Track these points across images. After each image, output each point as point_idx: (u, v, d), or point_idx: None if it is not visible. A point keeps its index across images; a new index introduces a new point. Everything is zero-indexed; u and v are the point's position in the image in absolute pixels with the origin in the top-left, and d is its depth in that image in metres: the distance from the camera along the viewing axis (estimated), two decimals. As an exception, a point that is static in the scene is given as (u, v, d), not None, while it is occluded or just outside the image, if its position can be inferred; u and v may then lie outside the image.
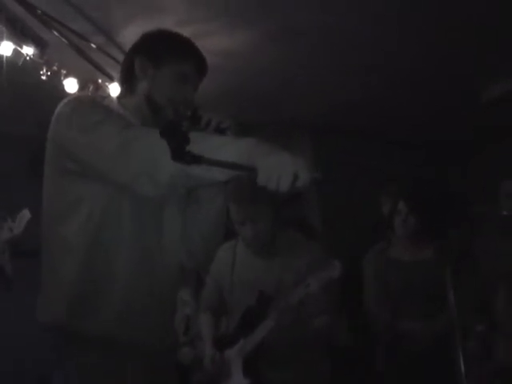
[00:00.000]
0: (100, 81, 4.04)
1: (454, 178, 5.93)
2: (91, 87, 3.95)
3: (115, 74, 4.00)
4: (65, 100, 1.87)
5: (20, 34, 3.24)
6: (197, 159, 1.41)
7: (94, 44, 3.77)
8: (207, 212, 1.99)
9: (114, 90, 4.01)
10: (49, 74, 3.63)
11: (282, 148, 1.53)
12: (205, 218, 1.99)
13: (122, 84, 2.03)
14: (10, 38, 3.23)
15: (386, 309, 3.59)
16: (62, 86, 3.79)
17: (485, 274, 3.52)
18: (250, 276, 2.85)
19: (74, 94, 3.80)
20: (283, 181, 1.44)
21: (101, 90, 4.02)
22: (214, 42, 3.82)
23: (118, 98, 2.03)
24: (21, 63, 3.34)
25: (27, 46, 3.31)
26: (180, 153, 1.39)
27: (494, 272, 3.44)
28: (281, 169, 1.45)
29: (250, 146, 1.54)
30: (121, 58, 3.91)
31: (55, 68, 3.68)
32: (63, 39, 3.52)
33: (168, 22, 3.53)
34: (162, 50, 1.93)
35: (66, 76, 3.80)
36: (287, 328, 2.72)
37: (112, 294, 1.79)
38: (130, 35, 3.73)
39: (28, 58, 3.35)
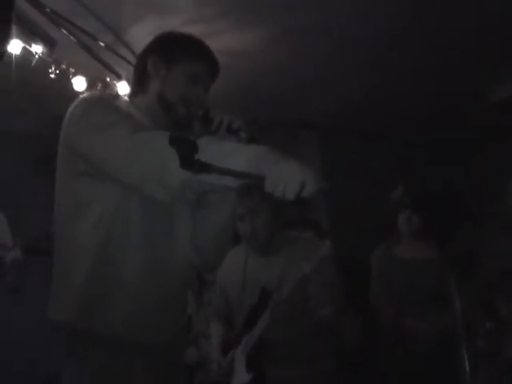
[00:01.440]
0: (108, 79, 4.05)
1: (459, 177, 5.91)
2: (99, 86, 3.96)
3: (123, 72, 4.02)
4: (76, 101, 1.88)
5: (29, 33, 3.26)
6: (205, 167, 1.42)
7: (103, 43, 3.78)
8: (217, 217, 1.99)
9: (122, 88, 4.02)
10: (57, 72, 3.64)
11: (291, 153, 1.53)
12: (215, 223, 1.99)
13: (135, 84, 2.03)
14: (18, 37, 3.25)
15: (390, 307, 3.60)
16: (71, 84, 3.80)
17: (488, 273, 3.51)
18: (254, 276, 2.86)
19: (85, 94, 3.81)
20: (290, 189, 1.45)
21: (109, 88, 4.03)
22: (223, 41, 3.82)
23: (130, 97, 2.05)
24: (30, 62, 3.36)
25: (36, 44, 3.33)
26: (189, 161, 1.40)
27: (496, 271, 3.44)
28: (288, 177, 1.46)
29: (260, 154, 1.54)
30: (129, 56, 3.93)
31: (64, 66, 3.69)
32: (72, 38, 3.53)
33: (176, 22, 3.55)
34: (174, 51, 1.95)
35: (75, 74, 3.82)
36: (287, 320, 2.73)
37: (121, 294, 1.80)
38: (138, 34, 3.74)
39: (37, 56, 3.36)
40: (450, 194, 5.43)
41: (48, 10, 3.30)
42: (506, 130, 5.34)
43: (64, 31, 3.47)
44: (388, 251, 3.80)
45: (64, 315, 1.81)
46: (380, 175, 5.24)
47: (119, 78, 4.02)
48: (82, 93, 3.89)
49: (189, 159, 1.40)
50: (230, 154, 1.56)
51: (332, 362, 2.98)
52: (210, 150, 1.55)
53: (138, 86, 2.00)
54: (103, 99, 1.98)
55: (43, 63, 3.49)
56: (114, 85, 4.02)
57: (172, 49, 1.96)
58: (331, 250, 2.71)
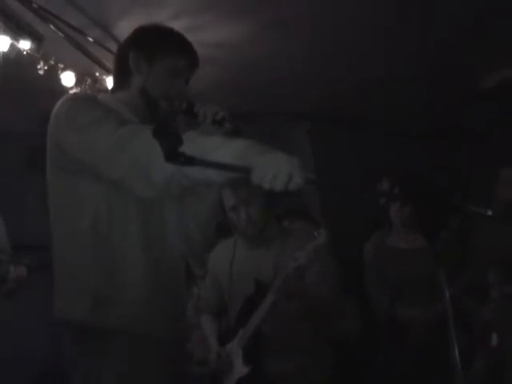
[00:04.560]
0: (97, 74, 4.04)
1: (452, 166, 5.93)
2: (88, 80, 3.95)
3: (112, 67, 4.00)
4: (62, 98, 1.88)
5: (16, 29, 3.24)
6: (190, 160, 1.41)
7: (91, 37, 3.75)
8: (203, 206, 2.03)
9: (112, 82, 4.01)
10: (46, 68, 3.63)
11: (281, 144, 1.54)
12: (201, 212, 2.03)
13: (116, 79, 2.03)
14: (6, 33, 3.23)
15: (384, 296, 3.62)
16: (59, 80, 3.79)
17: (480, 261, 3.53)
18: (247, 269, 2.86)
19: (72, 91, 3.81)
20: (278, 180, 1.45)
21: (98, 83, 4.02)
22: (209, 34, 3.81)
23: (112, 91, 2.04)
24: (17, 58, 3.34)
25: (24, 40, 3.31)
26: (173, 154, 1.39)
27: (488, 260, 3.45)
28: (275, 168, 1.46)
29: (246, 147, 1.54)
30: (118, 50, 3.92)
31: (52, 62, 3.68)
32: (60, 33, 3.51)
33: (163, 15, 3.54)
34: (155, 46, 1.95)
35: (63, 70, 3.80)
36: (284, 312, 2.74)
37: (125, 288, 1.81)
38: (126, 28, 3.71)
39: (25, 52, 3.35)
40: (443, 183, 5.44)
41: (35, 5, 3.29)
42: (499, 119, 5.35)
43: (52, 27, 3.45)
44: (380, 241, 3.81)
45: (70, 312, 1.83)
46: (372, 165, 5.25)
47: (108, 72, 4.00)
48: (72, 88, 3.88)
49: (173, 152, 1.39)
50: (216, 148, 1.56)
51: (328, 353, 2.99)
52: (196, 143, 1.56)
53: (119, 81, 2.00)
54: (87, 97, 2.00)
55: (31, 59, 3.48)
56: (103, 79, 4.02)
57: (153, 44, 1.96)
58: (327, 239, 2.70)
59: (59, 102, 1.86)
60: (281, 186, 1.45)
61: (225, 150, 1.55)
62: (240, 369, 2.77)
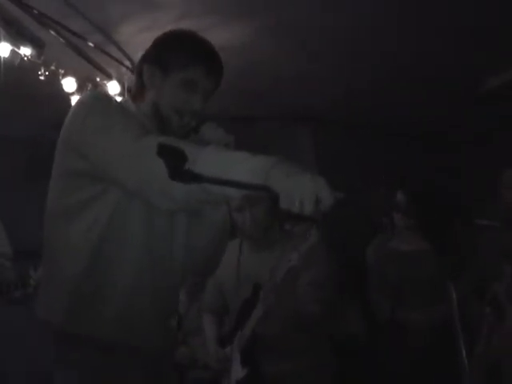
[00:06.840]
0: (98, 79, 4.04)
1: (455, 168, 5.92)
2: (90, 86, 3.94)
3: (113, 72, 4.00)
4: (82, 97, 1.83)
5: (17, 35, 3.24)
6: (196, 178, 1.36)
7: (92, 43, 3.74)
8: (208, 227, 1.97)
9: (113, 88, 4.01)
10: (47, 73, 3.63)
11: (286, 147, 1.50)
12: (207, 230, 1.97)
13: (134, 91, 1.94)
14: (7, 39, 3.23)
15: (385, 298, 3.62)
16: (60, 85, 3.78)
17: (484, 263, 3.53)
18: (249, 272, 2.87)
19: (73, 97, 3.81)
20: (307, 204, 1.39)
21: (99, 88, 4.02)
22: (212, 36, 3.70)
23: (131, 100, 1.96)
24: (18, 64, 3.34)
25: (24, 46, 3.30)
26: (177, 172, 1.34)
27: (493, 262, 3.45)
28: (303, 191, 1.39)
29: (267, 165, 1.45)
30: (119, 55, 3.92)
31: (53, 68, 3.68)
32: (60, 39, 3.51)
33: (165, 19, 3.53)
34: (168, 56, 1.84)
35: (64, 75, 3.80)
36: (279, 313, 2.74)
37: (113, 297, 1.77)
38: (127, 33, 3.73)
39: (25, 58, 3.34)
40: (443, 183, 5.44)
41: (36, 11, 3.28)
42: (500, 121, 5.35)
43: (52, 32, 3.45)
44: (384, 244, 3.81)
45: (53, 315, 1.79)
46: (372, 165, 5.25)
47: (109, 77, 4.00)
48: (73, 94, 3.88)
49: (177, 170, 1.34)
50: (234, 164, 1.49)
51: (325, 352, 2.99)
52: (213, 158, 1.51)
53: (136, 94, 1.92)
54: (110, 98, 1.91)
55: (32, 65, 3.47)
56: (105, 85, 4.01)
57: (166, 55, 1.85)
58: (318, 239, 2.67)
59: (79, 100, 1.81)
60: (310, 210, 1.39)
61: (243, 167, 1.47)
62: (238, 371, 2.78)
